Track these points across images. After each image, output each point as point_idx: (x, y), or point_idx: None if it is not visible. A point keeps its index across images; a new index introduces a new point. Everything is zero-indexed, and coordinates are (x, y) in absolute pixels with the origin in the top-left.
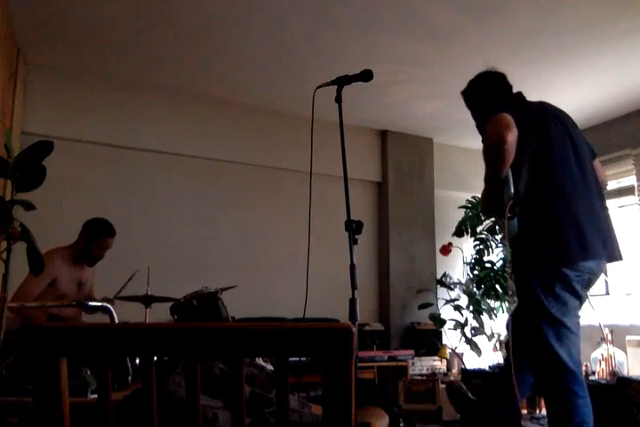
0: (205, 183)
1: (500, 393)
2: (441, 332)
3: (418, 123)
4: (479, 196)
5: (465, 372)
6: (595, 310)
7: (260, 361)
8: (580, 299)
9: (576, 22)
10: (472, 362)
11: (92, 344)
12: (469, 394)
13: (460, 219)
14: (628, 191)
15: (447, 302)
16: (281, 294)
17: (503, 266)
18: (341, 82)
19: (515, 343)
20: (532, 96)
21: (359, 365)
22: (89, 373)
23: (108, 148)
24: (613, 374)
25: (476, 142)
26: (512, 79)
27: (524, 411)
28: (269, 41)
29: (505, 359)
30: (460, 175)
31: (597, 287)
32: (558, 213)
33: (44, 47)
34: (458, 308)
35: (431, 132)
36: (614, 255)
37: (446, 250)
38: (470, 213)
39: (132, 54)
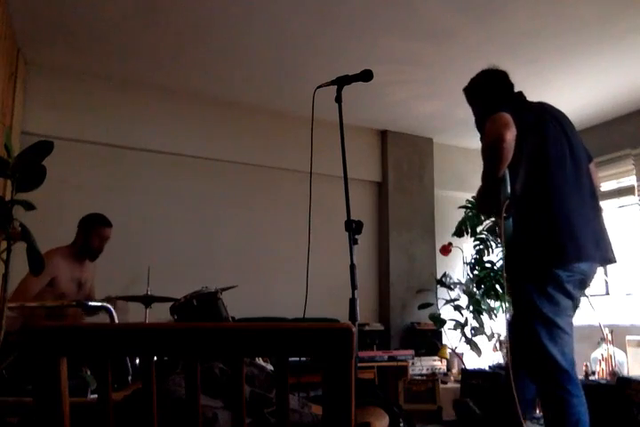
0: (205, 183)
1: (504, 408)
2: (441, 332)
3: (418, 123)
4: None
5: (465, 372)
6: (595, 310)
7: (260, 361)
8: (573, 299)
9: (576, 22)
10: (472, 362)
11: (91, 344)
12: (477, 410)
13: (459, 219)
14: (627, 191)
15: (447, 302)
16: (281, 294)
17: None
18: (341, 82)
19: (514, 350)
20: (531, 96)
21: (359, 365)
22: (89, 373)
23: (108, 148)
24: (613, 374)
25: (476, 142)
26: (512, 79)
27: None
28: (269, 41)
29: (505, 369)
30: (460, 175)
31: (597, 287)
32: (553, 214)
33: (44, 47)
34: (458, 308)
35: (431, 132)
36: (607, 257)
37: (446, 250)
38: (470, 213)
39: (132, 54)
